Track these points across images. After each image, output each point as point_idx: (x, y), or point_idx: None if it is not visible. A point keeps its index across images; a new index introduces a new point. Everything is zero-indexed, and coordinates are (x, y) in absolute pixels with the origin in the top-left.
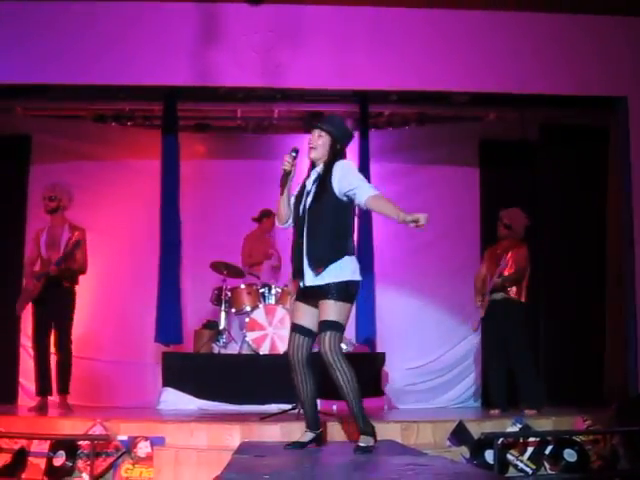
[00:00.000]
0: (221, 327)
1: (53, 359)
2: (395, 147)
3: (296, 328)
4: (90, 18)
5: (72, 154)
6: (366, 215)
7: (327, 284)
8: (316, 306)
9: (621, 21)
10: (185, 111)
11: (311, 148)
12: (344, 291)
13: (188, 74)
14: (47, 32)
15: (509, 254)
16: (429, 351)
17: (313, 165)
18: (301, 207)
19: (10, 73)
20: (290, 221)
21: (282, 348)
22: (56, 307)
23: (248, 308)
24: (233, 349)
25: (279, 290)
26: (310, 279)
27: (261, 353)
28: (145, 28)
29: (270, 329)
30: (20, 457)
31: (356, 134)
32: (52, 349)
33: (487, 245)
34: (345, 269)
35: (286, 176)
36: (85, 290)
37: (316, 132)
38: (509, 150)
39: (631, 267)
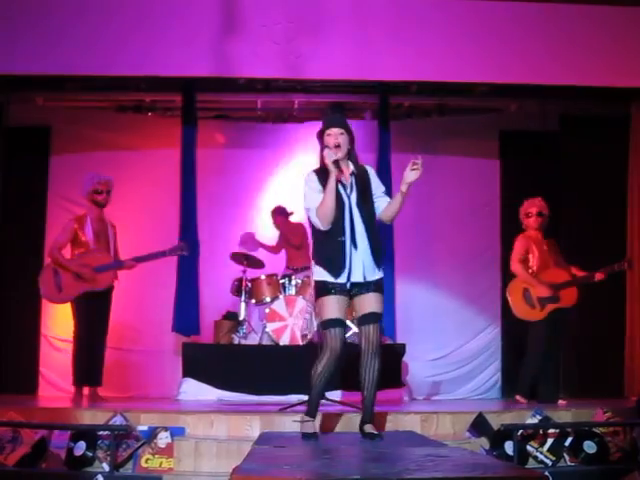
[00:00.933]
0: (241, 318)
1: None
2: (415, 138)
3: (336, 322)
4: (110, 9)
5: (92, 144)
6: None
7: (381, 278)
8: (350, 297)
9: None
10: (205, 102)
11: (338, 147)
12: (383, 286)
13: (208, 65)
14: (67, 23)
15: (558, 248)
16: (449, 342)
17: (322, 169)
18: (346, 204)
19: (30, 64)
20: None
21: (302, 339)
22: (102, 301)
23: (268, 299)
24: (253, 340)
25: (299, 281)
26: (371, 273)
27: (281, 344)
28: (165, 18)
29: (290, 320)
30: (40, 447)
31: (376, 125)
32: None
33: (508, 235)
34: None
35: (338, 166)
36: None
37: (336, 130)
38: (530, 141)
39: None
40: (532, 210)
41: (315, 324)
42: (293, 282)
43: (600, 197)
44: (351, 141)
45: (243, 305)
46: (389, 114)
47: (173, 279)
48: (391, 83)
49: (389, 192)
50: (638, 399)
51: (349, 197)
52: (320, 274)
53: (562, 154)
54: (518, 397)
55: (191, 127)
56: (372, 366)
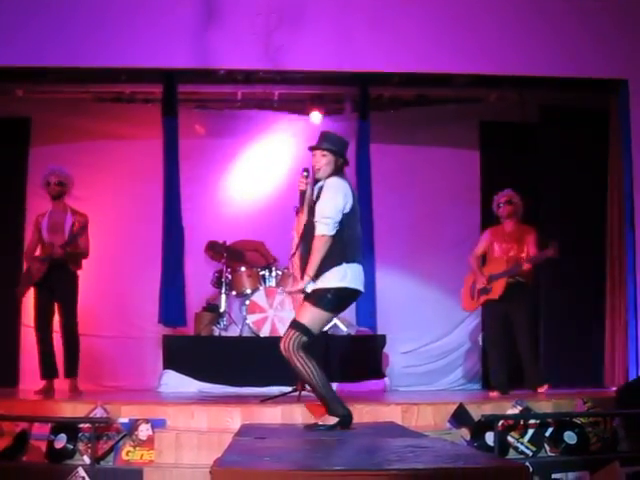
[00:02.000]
0: (222, 310)
1: (57, 341)
2: (395, 128)
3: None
4: (90, 1)
5: (72, 134)
6: (365, 197)
7: (313, 290)
8: None
9: (622, 4)
10: (185, 94)
11: (317, 169)
12: (323, 298)
13: (188, 56)
14: (47, 14)
15: (529, 238)
16: (429, 333)
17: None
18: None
19: (9, 56)
20: None
21: (282, 330)
22: (60, 290)
23: (248, 291)
24: (234, 331)
25: (279, 272)
26: (309, 284)
27: (261, 335)
28: (146, 10)
29: (271, 311)
30: (21, 440)
31: (356, 115)
32: (55, 331)
33: (487, 226)
34: (332, 278)
35: (303, 195)
36: (87, 270)
37: (319, 153)
38: (509, 132)
39: (631, 248)
40: (501, 200)
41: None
42: (273, 274)
43: (580, 188)
44: (337, 161)
45: (223, 297)
46: (369, 105)
47: (155, 268)
48: (371, 74)
49: (368, 183)
50: (618, 389)
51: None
52: None
53: (542, 145)
54: (491, 394)
55: (172, 119)
56: (296, 371)
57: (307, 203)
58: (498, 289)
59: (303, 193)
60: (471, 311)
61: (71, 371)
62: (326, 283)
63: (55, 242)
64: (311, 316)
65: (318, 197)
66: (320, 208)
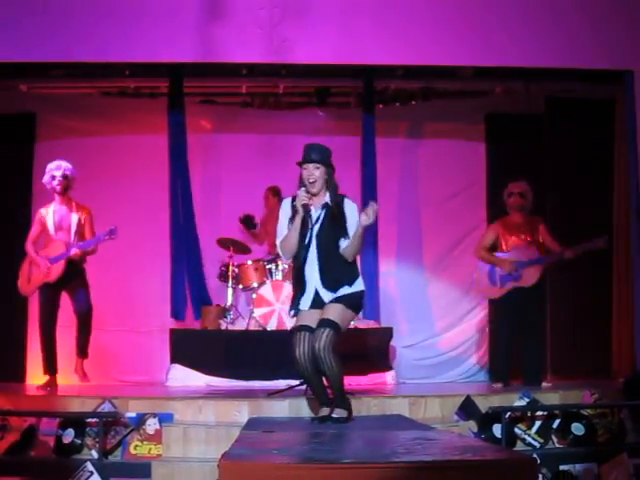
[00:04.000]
0: (228, 303)
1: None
2: (401, 122)
3: (302, 328)
4: None
5: (78, 129)
6: (370, 191)
7: (342, 295)
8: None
9: None
10: (190, 87)
11: (312, 183)
12: (355, 301)
13: (193, 50)
14: (51, 9)
15: (540, 227)
16: (435, 325)
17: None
18: (307, 234)
19: (13, 51)
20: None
21: (289, 324)
22: (70, 284)
23: (255, 284)
24: (240, 325)
25: (286, 266)
26: (327, 297)
27: (268, 329)
28: (150, 4)
29: (277, 305)
30: (29, 435)
31: (361, 109)
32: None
33: (493, 217)
34: (361, 284)
35: (306, 209)
36: (94, 264)
37: (311, 166)
38: (515, 123)
39: (637, 239)
40: (514, 190)
41: None
42: (280, 267)
43: (586, 180)
44: (328, 172)
45: (230, 291)
46: (374, 98)
47: (161, 265)
48: (376, 67)
49: (374, 177)
50: (625, 381)
51: (312, 228)
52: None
53: (548, 136)
54: (493, 385)
55: (179, 113)
56: (321, 369)
57: (311, 218)
58: (531, 277)
59: (307, 208)
60: (494, 298)
61: (83, 351)
62: (357, 287)
63: (63, 240)
64: (345, 317)
65: (333, 211)
66: (354, 229)
